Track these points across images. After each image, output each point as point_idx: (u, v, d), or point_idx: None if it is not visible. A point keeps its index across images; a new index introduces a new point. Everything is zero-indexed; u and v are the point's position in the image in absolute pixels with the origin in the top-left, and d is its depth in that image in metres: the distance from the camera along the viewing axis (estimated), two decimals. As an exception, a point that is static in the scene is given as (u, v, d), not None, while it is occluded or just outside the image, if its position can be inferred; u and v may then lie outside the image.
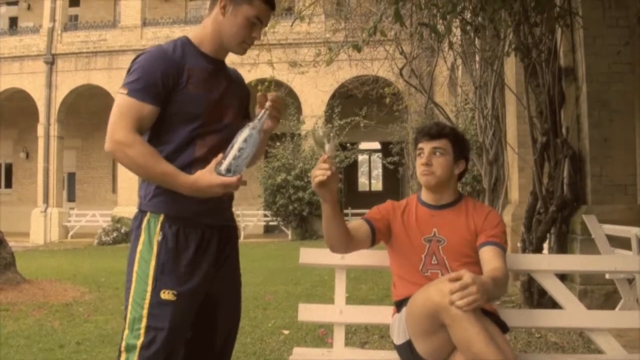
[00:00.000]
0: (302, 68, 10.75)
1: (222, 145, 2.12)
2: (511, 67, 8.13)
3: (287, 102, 16.63)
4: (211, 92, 2.18)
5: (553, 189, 5.81)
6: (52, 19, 21.81)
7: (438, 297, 2.07)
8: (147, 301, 2.06)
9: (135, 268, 2.11)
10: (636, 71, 5.80)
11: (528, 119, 6.12)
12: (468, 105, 10.94)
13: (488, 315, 2.22)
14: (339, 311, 2.74)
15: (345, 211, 21.85)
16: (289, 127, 19.06)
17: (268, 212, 19.47)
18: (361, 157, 29.11)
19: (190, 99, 2.12)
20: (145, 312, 2.05)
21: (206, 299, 2.21)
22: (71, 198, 24.75)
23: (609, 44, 5.71)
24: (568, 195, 5.74)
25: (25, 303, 6.92)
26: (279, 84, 11.49)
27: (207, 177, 2.02)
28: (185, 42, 2.22)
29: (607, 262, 3.02)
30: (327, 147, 2.13)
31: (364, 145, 26.35)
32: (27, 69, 21.95)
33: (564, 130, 5.87)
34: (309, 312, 2.81)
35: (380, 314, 2.76)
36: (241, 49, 2.24)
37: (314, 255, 2.83)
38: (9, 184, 25.58)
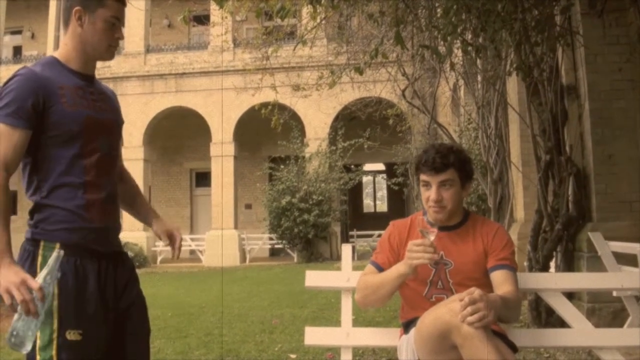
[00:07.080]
0: (305, 91, 10.83)
1: (108, 163, 2.12)
2: (513, 86, 8.16)
3: (291, 125, 16.66)
4: (87, 108, 2.11)
5: (558, 207, 5.79)
6: (56, 47, 21.97)
7: (449, 317, 2.06)
8: (54, 344, 1.93)
9: None
10: (638, 88, 5.81)
11: (531, 137, 6.12)
12: (471, 124, 10.98)
13: (497, 336, 2.21)
14: (346, 334, 2.71)
15: (351, 232, 21.82)
16: (293, 150, 19.12)
17: (273, 235, 19.35)
18: (366, 179, 29.11)
19: (67, 117, 2.05)
20: (54, 356, 1.93)
21: (115, 330, 2.10)
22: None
23: (610, 62, 5.73)
24: (573, 212, 5.72)
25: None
26: (282, 107, 11.54)
27: (10, 269, 1.90)
28: (54, 62, 2.15)
29: (614, 280, 2.99)
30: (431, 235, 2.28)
31: (368, 167, 26.41)
32: (31, 97, 22.05)
33: (567, 148, 5.87)
34: (316, 336, 2.80)
35: (387, 336, 2.74)
36: (109, 54, 2.20)
37: (320, 278, 2.82)
38: (14, 211, 25.63)
